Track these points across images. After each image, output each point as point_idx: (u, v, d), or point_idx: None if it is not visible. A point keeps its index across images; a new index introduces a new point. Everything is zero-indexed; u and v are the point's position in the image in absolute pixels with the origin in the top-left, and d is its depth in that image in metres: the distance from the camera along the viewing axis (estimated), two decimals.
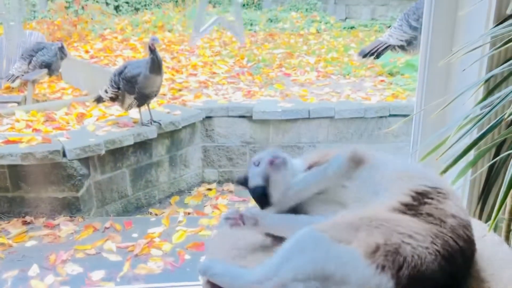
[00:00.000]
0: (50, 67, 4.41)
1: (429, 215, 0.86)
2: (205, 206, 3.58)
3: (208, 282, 0.90)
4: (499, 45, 1.04)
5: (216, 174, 3.96)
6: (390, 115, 3.93)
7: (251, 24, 6.40)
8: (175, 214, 3.38)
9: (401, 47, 3.06)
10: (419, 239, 0.81)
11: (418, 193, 0.90)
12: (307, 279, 0.79)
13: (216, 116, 3.88)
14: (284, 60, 5.30)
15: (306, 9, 6.90)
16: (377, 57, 3.24)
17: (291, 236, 0.84)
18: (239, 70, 4.96)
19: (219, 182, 3.95)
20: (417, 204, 0.88)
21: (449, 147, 1.03)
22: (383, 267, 0.77)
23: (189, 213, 3.43)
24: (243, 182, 1.08)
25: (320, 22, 6.52)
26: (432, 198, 0.89)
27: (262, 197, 1.03)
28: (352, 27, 6.32)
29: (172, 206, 3.60)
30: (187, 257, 2.76)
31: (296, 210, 1.02)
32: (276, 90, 4.46)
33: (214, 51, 5.45)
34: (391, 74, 4.84)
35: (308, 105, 3.97)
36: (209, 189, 3.85)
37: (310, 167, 1.04)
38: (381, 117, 3.93)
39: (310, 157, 1.08)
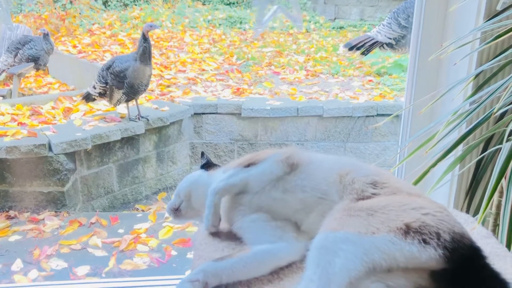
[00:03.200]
0: (37, 61, 4.35)
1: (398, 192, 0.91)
2: None
3: None
4: (489, 40, 1.05)
5: None
6: (378, 115, 3.95)
7: (241, 22, 6.38)
8: (162, 210, 3.36)
9: (389, 45, 3.07)
10: (429, 207, 0.84)
11: (372, 184, 0.93)
12: (361, 278, 0.78)
13: (205, 113, 3.87)
14: (273, 59, 5.30)
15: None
16: (363, 53, 3.24)
17: (311, 249, 0.83)
18: (228, 67, 4.94)
19: None
20: (379, 189, 0.91)
21: (438, 141, 1.04)
22: (424, 241, 0.78)
23: None
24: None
25: (310, 21, 6.53)
26: (384, 182, 0.93)
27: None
28: (341, 27, 6.35)
29: (159, 202, 3.57)
30: (173, 253, 2.74)
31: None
32: (265, 88, 4.46)
33: (203, 48, 5.43)
34: (379, 74, 4.87)
35: (297, 103, 3.98)
36: None
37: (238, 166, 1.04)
38: (368, 116, 3.95)
39: (236, 161, 1.07)
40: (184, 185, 1.13)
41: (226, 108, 3.87)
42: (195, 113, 3.85)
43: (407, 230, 0.80)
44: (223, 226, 1.06)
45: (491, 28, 1.10)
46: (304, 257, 0.93)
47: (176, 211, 1.11)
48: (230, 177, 1.02)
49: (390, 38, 3.04)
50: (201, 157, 1.22)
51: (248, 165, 1.02)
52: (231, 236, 1.04)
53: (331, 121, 3.91)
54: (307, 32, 6.29)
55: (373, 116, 3.97)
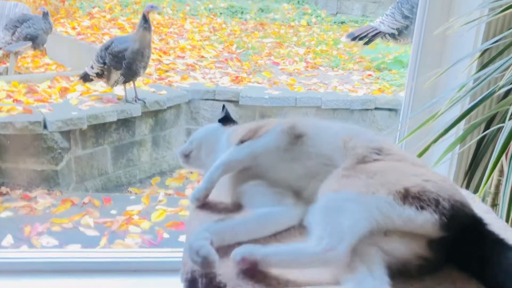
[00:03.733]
0: (35, 40, 4.29)
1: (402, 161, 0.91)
2: (186, 188, 3.53)
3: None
4: (497, 12, 1.03)
5: None
6: (376, 108, 3.94)
7: (242, 13, 6.35)
8: (155, 194, 3.34)
9: (392, 35, 3.06)
10: (431, 176, 0.84)
11: (377, 149, 0.92)
12: (375, 238, 0.79)
13: (202, 99, 3.84)
14: (273, 49, 5.28)
15: (298, 1, 6.88)
16: (366, 42, 3.23)
17: (315, 210, 0.83)
18: (227, 55, 4.92)
19: None
20: (383, 155, 0.91)
21: (441, 114, 1.02)
22: (421, 207, 0.79)
23: (169, 194, 3.39)
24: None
25: (311, 15, 6.50)
26: (389, 149, 0.93)
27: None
28: (342, 22, 6.32)
29: (152, 186, 3.54)
30: (165, 235, 2.72)
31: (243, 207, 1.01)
32: (264, 77, 4.43)
33: (204, 35, 5.40)
34: (378, 69, 4.85)
35: (295, 93, 3.96)
36: (191, 172, 3.80)
37: (242, 142, 1.02)
38: (366, 109, 3.94)
39: (242, 132, 1.05)
40: (198, 135, 1.16)
41: (224, 95, 3.85)
42: (192, 99, 3.82)
43: (406, 195, 0.80)
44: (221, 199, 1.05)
45: (499, 5, 1.08)
46: (302, 222, 0.92)
47: (186, 157, 1.14)
48: (233, 154, 1.00)
49: (393, 29, 3.02)
50: (222, 110, 1.22)
51: (256, 134, 1.01)
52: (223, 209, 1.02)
53: (329, 112, 3.89)
54: (308, 25, 6.27)
55: (371, 109, 3.95)
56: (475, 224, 0.83)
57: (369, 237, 0.78)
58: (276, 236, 0.91)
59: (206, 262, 0.80)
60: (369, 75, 4.70)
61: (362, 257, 0.78)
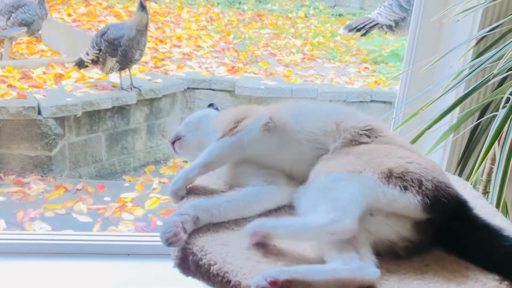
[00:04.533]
0: (30, 26, 4.24)
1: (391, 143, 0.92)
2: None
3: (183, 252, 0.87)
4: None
5: None
6: (372, 101, 3.94)
7: (239, 3, 6.31)
8: (149, 182, 3.33)
9: (389, 27, 3.05)
10: (416, 159, 0.86)
11: (368, 130, 0.94)
12: (366, 210, 0.80)
13: (198, 88, 3.83)
14: (270, 40, 5.26)
15: None
16: (364, 34, 3.22)
17: (311, 192, 0.85)
18: (224, 45, 4.89)
19: None
20: (374, 138, 0.92)
21: (435, 100, 1.02)
22: (405, 187, 0.81)
23: (163, 182, 3.39)
24: None
25: (309, 7, 6.48)
26: (380, 131, 0.94)
27: None
28: (340, 15, 6.29)
29: (147, 174, 3.54)
30: (159, 223, 2.73)
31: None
32: (261, 68, 4.42)
33: (200, 25, 5.37)
34: (375, 62, 4.85)
35: (292, 84, 3.96)
36: (186, 161, 3.78)
37: (223, 135, 1.01)
38: (362, 102, 3.94)
39: (228, 118, 1.05)
40: (196, 116, 1.17)
41: (220, 84, 3.83)
42: (188, 88, 3.80)
43: (390, 175, 0.82)
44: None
45: None
46: (292, 203, 0.92)
47: (180, 140, 1.14)
48: (212, 153, 0.99)
49: (391, 20, 3.02)
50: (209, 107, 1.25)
51: (230, 134, 1.00)
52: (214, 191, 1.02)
53: None
54: (306, 17, 6.24)
55: (367, 102, 3.96)
56: (460, 206, 0.84)
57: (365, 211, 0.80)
58: (267, 215, 0.92)
59: (164, 238, 0.84)
60: (366, 67, 4.70)
61: (350, 240, 0.78)
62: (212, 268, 0.82)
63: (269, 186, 0.95)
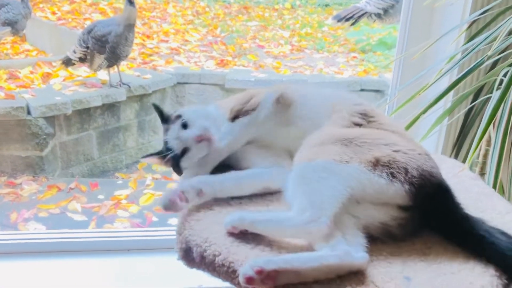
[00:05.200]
0: (14, 26, 4.18)
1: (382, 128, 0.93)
2: (173, 172, 3.51)
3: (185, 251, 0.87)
4: None
5: None
6: (361, 90, 3.96)
7: None
8: (142, 178, 3.32)
9: (378, 15, 3.06)
10: (403, 145, 0.86)
11: (361, 113, 0.95)
12: (347, 206, 0.80)
13: (188, 83, 3.81)
14: (258, 33, 5.25)
15: None
16: (353, 23, 3.23)
17: (291, 179, 0.85)
18: (212, 39, 4.87)
19: None
20: (366, 122, 0.94)
21: (429, 86, 1.03)
22: (392, 175, 0.82)
23: (157, 178, 3.37)
24: (162, 118, 1.06)
25: None
26: (373, 116, 0.96)
27: (174, 164, 1.00)
28: (326, 5, 6.29)
29: (139, 171, 3.52)
30: (154, 219, 2.72)
31: (230, 167, 0.99)
32: (250, 60, 4.41)
33: (187, 19, 5.33)
34: (363, 51, 4.86)
35: (281, 76, 3.96)
36: None
37: (235, 117, 1.00)
38: (352, 91, 3.95)
39: (232, 103, 1.03)
40: (205, 121, 1.00)
41: (210, 78, 3.82)
42: (178, 83, 3.78)
43: (376, 163, 0.83)
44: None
45: None
46: None
47: (209, 140, 0.96)
48: (229, 135, 0.98)
49: (379, 8, 3.03)
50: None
51: (243, 113, 0.99)
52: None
53: None
54: (293, 8, 6.24)
55: (356, 91, 3.97)
56: (442, 195, 0.85)
57: (343, 206, 0.80)
58: (265, 199, 0.94)
59: (162, 203, 0.87)
60: (354, 57, 4.71)
61: (337, 224, 0.79)
62: (217, 259, 0.82)
63: (274, 168, 0.96)
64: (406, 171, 0.82)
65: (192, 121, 0.99)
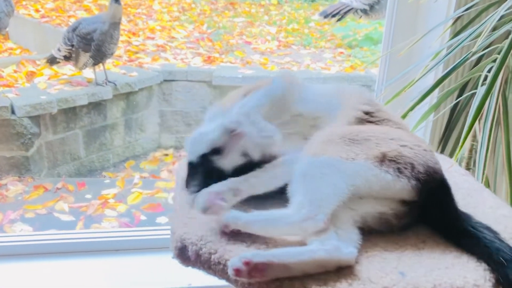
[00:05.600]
0: None
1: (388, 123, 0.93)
2: (161, 171, 3.50)
3: (180, 250, 0.85)
4: None
5: (173, 139, 3.87)
6: None
7: None
8: (130, 177, 3.30)
9: (364, 11, 3.07)
10: (409, 140, 0.86)
11: (367, 110, 0.94)
12: (347, 201, 0.80)
13: (175, 80, 3.79)
14: (244, 29, 5.23)
15: None
16: (339, 19, 3.24)
17: (296, 174, 0.83)
18: (198, 36, 4.85)
19: (176, 148, 3.87)
20: (372, 117, 0.93)
21: (415, 82, 1.04)
22: (399, 170, 0.81)
23: (144, 177, 3.36)
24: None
25: None
26: (378, 111, 0.95)
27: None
28: (313, 0, 6.30)
29: (127, 170, 3.50)
30: (142, 217, 2.71)
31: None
32: (237, 57, 4.40)
33: (173, 16, 5.30)
34: (350, 46, 4.88)
35: (269, 72, 3.95)
36: (166, 155, 3.77)
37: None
38: None
39: (233, 95, 1.01)
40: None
41: (197, 75, 3.80)
42: (164, 80, 3.76)
43: (383, 159, 0.82)
44: None
45: None
46: None
47: (242, 134, 0.89)
48: (245, 108, 0.92)
49: (365, 4, 3.03)
50: None
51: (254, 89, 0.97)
52: None
53: None
54: (279, 4, 6.23)
55: None
56: (443, 192, 0.86)
57: (343, 203, 0.80)
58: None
59: (201, 206, 0.83)
60: (341, 52, 4.72)
61: (332, 218, 0.79)
62: (212, 257, 0.81)
63: (293, 155, 0.90)
64: (413, 166, 0.82)
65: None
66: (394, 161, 0.82)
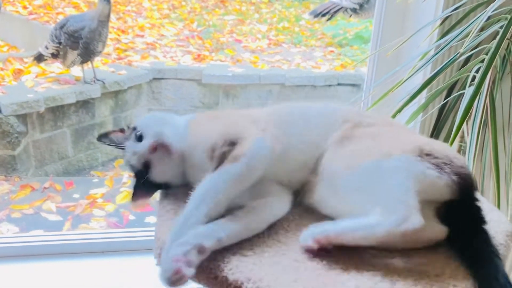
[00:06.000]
0: None
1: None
2: None
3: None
4: None
5: None
6: (338, 84, 3.97)
7: None
8: (119, 176, 3.27)
9: (353, 10, 3.07)
10: (424, 138, 0.84)
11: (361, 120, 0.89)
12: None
13: (164, 78, 3.77)
14: (235, 27, 5.21)
15: None
16: (329, 18, 3.25)
17: (346, 189, 0.78)
18: (188, 33, 4.82)
19: None
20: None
21: (402, 82, 1.03)
22: (438, 165, 0.75)
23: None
24: (109, 141, 0.95)
25: None
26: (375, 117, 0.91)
27: (146, 183, 0.89)
28: None
29: (116, 169, 3.47)
30: (131, 217, 2.68)
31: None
32: (227, 55, 4.39)
33: (163, 13, 5.27)
34: (340, 45, 4.89)
35: (259, 71, 3.94)
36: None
37: (212, 152, 0.85)
38: (329, 85, 3.97)
39: (205, 131, 0.91)
40: (167, 118, 0.93)
41: (187, 73, 3.78)
42: (154, 78, 3.73)
43: (421, 153, 0.77)
44: None
45: None
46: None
47: (166, 147, 0.87)
48: (216, 188, 0.80)
49: (355, 3, 3.04)
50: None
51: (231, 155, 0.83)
52: None
53: (292, 89, 3.90)
54: (270, 2, 6.22)
55: (334, 85, 3.98)
56: (474, 189, 0.80)
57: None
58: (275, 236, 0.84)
59: (165, 278, 0.71)
60: (331, 51, 4.73)
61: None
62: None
63: (268, 199, 0.85)
64: (450, 161, 0.76)
65: (147, 130, 0.90)
66: (431, 155, 0.76)
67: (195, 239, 0.74)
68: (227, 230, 0.77)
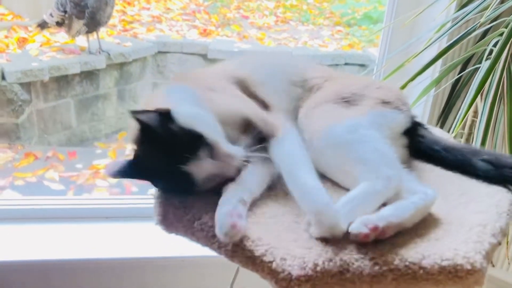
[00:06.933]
0: None
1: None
2: None
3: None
4: None
5: None
6: (346, 64, 3.93)
7: None
8: (122, 148, 3.26)
9: None
10: (378, 83, 0.97)
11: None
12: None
13: (169, 52, 3.72)
14: (242, 3, 5.14)
15: None
16: None
17: (327, 148, 0.85)
18: (195, 8, 4.75)
19: None
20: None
21: (417, 54, 1.01)
22: (397, 108, 0.93)
23: None
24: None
25: None
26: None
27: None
28: None
29: (119, 141, 3.46)
30: (134, 189, 2.68)
31: None
32: (233, 31, 4.33)
33: None
34: (348, 25, 4.82)
35: (265, 48, 3.90)
36: None
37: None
38: (336, 65, 3.92)
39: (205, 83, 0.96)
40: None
41: (192, 48, 3.74)
42: (159, 51, 3.69)
43: (384, 103, 0.92)
44: None
45: None
46: None
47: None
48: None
49: None
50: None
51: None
52: None
53: None
54: None
55: (341, 65, 3.94)
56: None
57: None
58: None
59: (223, 234, 0.74)
60: (339, 30, 4.67)
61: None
62: (196, 223, 0.80)
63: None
64: (406, 105, 0.94)
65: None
66: (389, 102, 0.91)
67: (235, 194, 0.79)
68: (252, 182, 0.83)
